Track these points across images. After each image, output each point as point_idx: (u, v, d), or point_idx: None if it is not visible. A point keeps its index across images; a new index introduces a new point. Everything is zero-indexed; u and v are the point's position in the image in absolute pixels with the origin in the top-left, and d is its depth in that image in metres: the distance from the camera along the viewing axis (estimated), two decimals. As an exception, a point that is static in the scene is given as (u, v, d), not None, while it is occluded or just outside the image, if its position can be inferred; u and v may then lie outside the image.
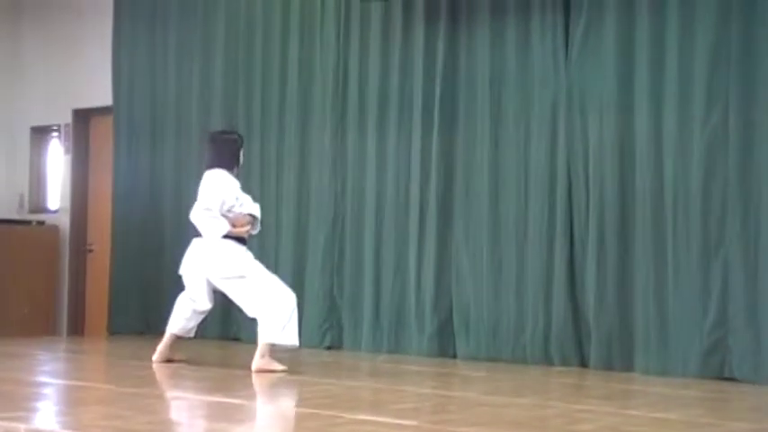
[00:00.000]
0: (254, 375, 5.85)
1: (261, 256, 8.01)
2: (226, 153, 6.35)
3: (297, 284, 7.78)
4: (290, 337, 5.99)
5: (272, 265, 7.95)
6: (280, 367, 5.93)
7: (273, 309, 5.96)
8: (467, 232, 7.07)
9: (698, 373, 6.06)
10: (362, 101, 7.58)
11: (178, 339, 6.39)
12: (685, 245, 6.20)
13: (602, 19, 6.57)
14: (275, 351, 6.07)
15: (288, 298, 6.04)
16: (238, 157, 6.43)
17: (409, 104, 7.36)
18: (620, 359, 6.41)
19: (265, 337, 5.98)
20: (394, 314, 7.32)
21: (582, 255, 6.60)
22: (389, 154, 7.43)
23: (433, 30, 7.26)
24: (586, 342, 6.57)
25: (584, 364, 6.56)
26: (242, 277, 6.10)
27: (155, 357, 6.30)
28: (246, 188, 8.13)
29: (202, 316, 6.40)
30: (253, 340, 7.86)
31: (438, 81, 7.21)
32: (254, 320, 7.96)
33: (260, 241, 8.03)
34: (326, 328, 7.63)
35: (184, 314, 6.31)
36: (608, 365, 6.42)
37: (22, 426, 3.84)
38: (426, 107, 7.25)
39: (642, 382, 5.96)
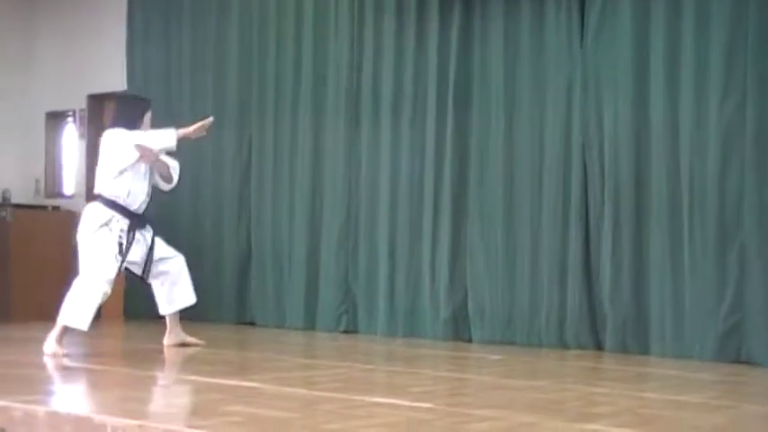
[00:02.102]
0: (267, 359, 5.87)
1: (274, 240, 8.09)
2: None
3: (311, 269, 7.83)
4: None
5: (286, 250, 8.01)
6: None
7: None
8: (481, 217, 7.07)
9: (713, 357, 6.05)
10: (376, 90, 7.56)
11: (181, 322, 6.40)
12: (701, 230, 6.18)
13: (618, 4, 6.53)
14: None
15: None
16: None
17: (423, 92, 7.34)
18: (635, 343, 6.41)
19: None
20: (409, 298, 7.33)
21: (597, 239, 6.59)
22: (404, 141, 7.42)
23: (447, 17, 7.23)
24: (602, 326, 6.57)
25: (599, 348, 6.56)
26: None
27: (167, 341, 6.33)
28: (259, 175, 8.20)
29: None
30: (269, 324, 7.96)
31: (452, 69, 7.19)
32: (269, 304, 8.06)
33: (273, 226, 8.08)
34: (342, 312, 7.65)
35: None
36: (623, 350, 6.42)
37: (40, 408, 3.87)
38: (440, 95, 7.23)
39: (658, 366, 5.96)
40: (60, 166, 9.83)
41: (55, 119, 9.76)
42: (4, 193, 9.47)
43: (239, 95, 8.31)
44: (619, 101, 6.52)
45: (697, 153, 6.22)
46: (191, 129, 6.00)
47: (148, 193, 6.12)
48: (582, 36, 6.69)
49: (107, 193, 5.96)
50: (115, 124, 6.12)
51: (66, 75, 9.47)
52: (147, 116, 6.21)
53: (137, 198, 6.02)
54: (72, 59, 9.46)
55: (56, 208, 9.29)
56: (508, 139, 6.97)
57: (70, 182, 9.63)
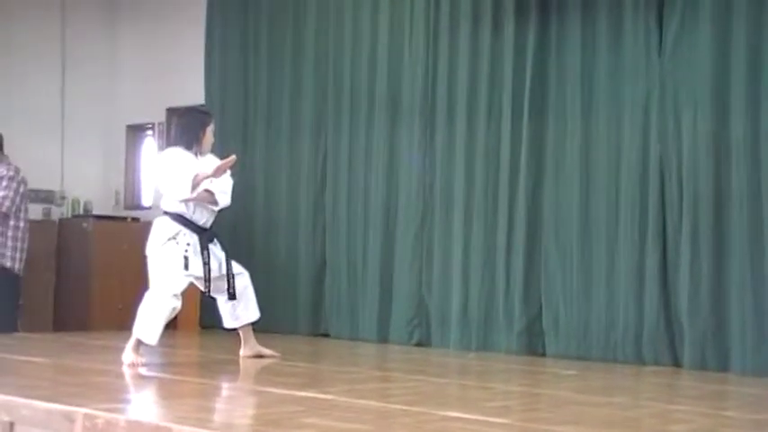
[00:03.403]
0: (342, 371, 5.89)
1: (348, 252, 8.12)
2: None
3: (385, 281, 7.85)
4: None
5: (360, 261, 8.04)
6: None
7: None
8: (556, 229, 7.01)
9: (796, 375, 5.92)
10: (451, 96, 7.56)
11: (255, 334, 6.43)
12: (783, 244, 6.05)
13: (697, 14, 6.44)
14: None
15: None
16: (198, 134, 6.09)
17: (498, 100, 7.31)
18: (715, 359, 6.29)
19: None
20: (482, 311, 7.29)
21: (675, 253, 6.49)
22: (478, 150, 7.40)
23: (522, 24, 7.20)
24: (679, 342, 6.46)
25: (677, 364, 6.45)
26: None
27: (243, 352, 6.38)
28: (334, 185, 8.25)
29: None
30: (342, 336, 7.99)
31: (528, 77, 7.15)
32: (343, 316, 8.08)
33: (348, 237, 8.11)
34: (415, 325, 7.64)
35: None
36: (702, 366, 6.30)
37: (121, 417, 3.93)
38: (516, 104, 7.20)
39: (738, 383, 5.84)
40: (139, 178, 10.01)
41: (135, 131, 9.96)
42: (85, 204, 9.69)
43: (315, 105, 8.38)
44: (698, 113, 6.42)
45: (779, 166, 6.09)
46: (210, 171, 5.83)
47: (214, 210, 6.14)
48: (660, 47, 6.61)
49: (172, 209, 6.03)
50: (176, 140, 6.14)
51: (146, 86, 9.66)
52: (210, 129, 6.17)
53: (202, 213, 6.06)
54: (152, 71, 9.65)
55: (135, 219, 9.45)
56: (584, 150, 6.91)
57: (149, 193, 9.80)
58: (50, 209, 9.57)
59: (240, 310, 6.27)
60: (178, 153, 6.04)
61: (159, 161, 6.25)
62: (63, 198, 9.67)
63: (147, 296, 5.92)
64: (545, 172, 7.10)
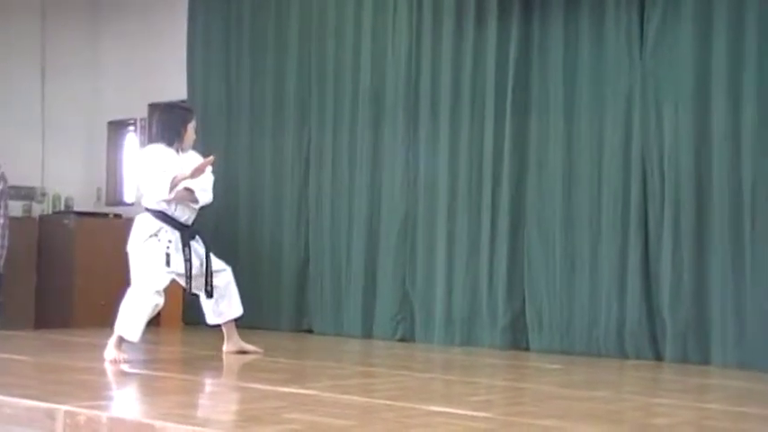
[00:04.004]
0: (325, 366, 5.90)
1: (332, 247, 8.12)
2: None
3: (369, 276, 7.85)
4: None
5: (344, 257, 8.04)
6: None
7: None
8: (540, 224, 7.03)
9: (777, 368, 5.96)
10: (435, 92, 7.56)
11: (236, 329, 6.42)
12: (763, 238, 6.08)
13: (679, 11, 6.46)
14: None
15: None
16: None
17: (482, 97, 7.32)
18: (696, 353, 6.32)
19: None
20: (466, 306, 7.30)
21: (657, 248, 6.52)
22: (462, 145, 7.40)
23: (506, 20, 7.21)
24: (661, 336, 6.49)
25: (659, 357, 6.48)
26: None
27: (226, 348, 6.37)
28: (318, 180, 8.24)
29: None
30: (326, 332, 7.98)
31: (511, 74, 7.16)
32: (326, 312, 8.07)
33: (331, 232, 8.10)
34: (399, 321, 7.65)
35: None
36: (684, 359, 6.34)
37: (103, 414, 3.92)
38: (499, 101, 7.21)
39: (719, 376, 5.88)
40: (121, 174, 9.97)
41: (117, 127, 9.91)
42: (67, 201, 9.64)
43: (298, 101, 8.36)
44: (679, 109, 6.45)
45: (759, 161, 6.13)
46: (188, 172, 5.82)
47: (195, 207, 6.10)
48: (642, 43, 6.63)
49: (154, 206, 6.00)
50: (157, 137, 6.12)
51: (128, 82, 9.61)
52: (191, 126, 6.13)
53: (184, 211, 6.04)
54: (134, 66, 9.60)
55: (117, 216, 9.41)
56: (567, 146, 6.93)
57: (131, 190, 9.76)
58: (31, 206, 9.52)
59: (223, 306, 6.26)
60: (159, 150, 6.02)
61: (140, 158, 6.23)
62: (44, 195, 9.62)
63: (129, 293, 5.90)
64: (528, 168, 7.11)
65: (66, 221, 9.16)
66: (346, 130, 8.05)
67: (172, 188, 5.82)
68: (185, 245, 5.96)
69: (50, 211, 9.56)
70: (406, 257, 7.66)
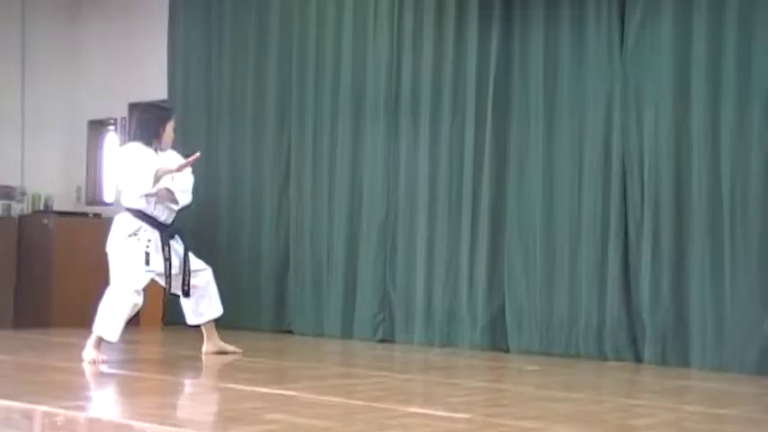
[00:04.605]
0: (305, 367, 5.88)
1: (312, 247, 8.11)
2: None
3: (349, 277, 7.84)
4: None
5: (324, 257, 8.03)
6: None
7: None
8: (520, 225, 7.04)
9: (755, 370, 5.98)
10: (416, 92, 7.56)
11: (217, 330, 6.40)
12: (742, 241, 6.11)
13: (659, 11, 6.49)
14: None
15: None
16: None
17: (462, 98, 7.33)
18: (675, 355, 6.35)
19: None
20: (446, 307, 7.31)
21: (636, 249, 6.54)
22: (442, 146, 7.41)
23: (486, 23, 7.22)
24: (641, 337, 6.51)
25: (638, 359, 6.51)
26: None
27: (206, 349, 6.35)
28: (298, 180, 8.23)
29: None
30: (306, 332, 7.97)
31: (491, 74, 7.17)
32: (306, 312, 8.06)
33: (311, 232, 8.09)
34: (379, 321, 7.65)
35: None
36: (662, 361, 6.36)
37: (81, 415, 3.90)
38: (479, 101, 7.22)
39: (698, 378, 5.91)
40: (101, 173, 9.93)
41: (97, 127, 9.87)
42: (46, 200, 9.59)
43: (279, 101, 8.35)
44: (659, 110, 6.48)
45: (738, 163, 6.16)
46: (174, 167, 5.82)
47: (174, 208, 6.08)
48: (622, 45, 6.66)
49: (133, 206, 5.98)
50: (136, 136, 6.09)
51: (108, 81, 9.57)
52: (170, 125, 6.11)
53: (163, 210, 6.02)
54: (114, 65, 9.56)
55: (96, 215, 9.37)
56: (547, 146, 6.95)
57: (111, 189, 9.72)
58: (10, 205, 9.46)
59: (203, 307, 6.25)
60: (137, 148, 6.00)
61: (118, 156, 6.21)
62: (23, 194, 9.56)
63: (108, 292, 5.87)
64: (508, 169, 7.13)
65: (45, 221, 9.11)
66: (327, 131, 8.05)
67: (155, 182, 5.80)
68: (165, 244, 5.94)
69: (30, 211, 9.50)
70: (387, 258, 7.66)
